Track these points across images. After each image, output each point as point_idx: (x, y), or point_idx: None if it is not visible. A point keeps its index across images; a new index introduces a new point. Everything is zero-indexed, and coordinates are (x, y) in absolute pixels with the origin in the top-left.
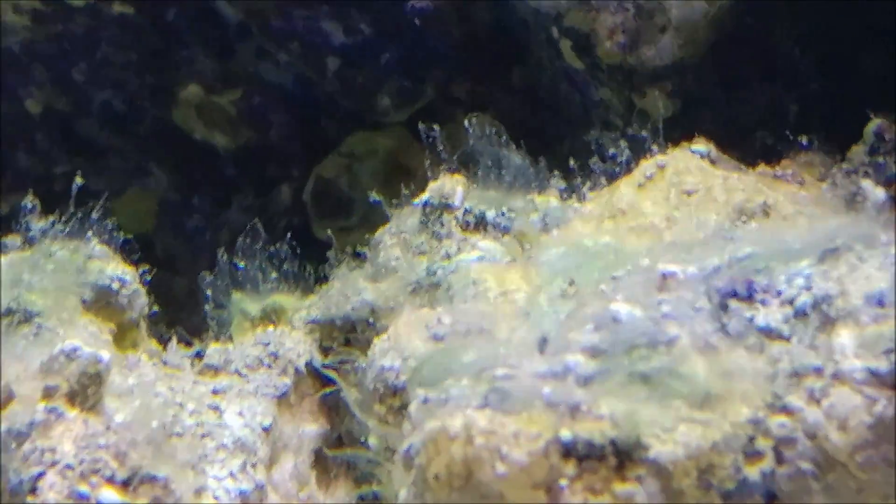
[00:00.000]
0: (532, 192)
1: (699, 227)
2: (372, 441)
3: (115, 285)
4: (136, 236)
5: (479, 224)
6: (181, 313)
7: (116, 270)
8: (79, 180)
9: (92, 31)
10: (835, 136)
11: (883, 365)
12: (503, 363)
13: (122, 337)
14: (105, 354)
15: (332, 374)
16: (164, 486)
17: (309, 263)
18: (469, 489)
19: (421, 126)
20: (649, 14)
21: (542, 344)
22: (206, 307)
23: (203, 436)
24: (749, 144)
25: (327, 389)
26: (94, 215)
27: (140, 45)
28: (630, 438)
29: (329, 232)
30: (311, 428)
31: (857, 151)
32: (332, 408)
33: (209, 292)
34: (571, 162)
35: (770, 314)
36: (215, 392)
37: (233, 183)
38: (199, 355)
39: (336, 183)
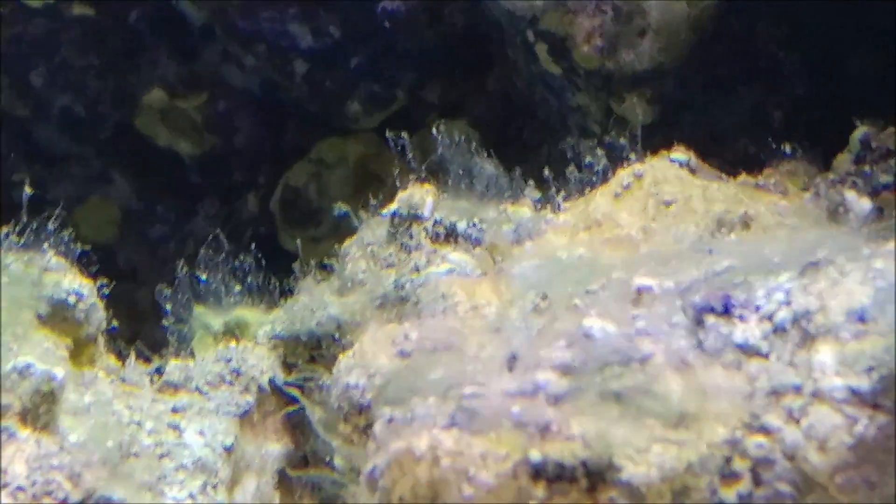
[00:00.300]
0: (505, 202)
1: (677, 239)
2: (338, 461)
3: (72, 299)
4: (98, 246)
5: (450, 235)
6: (144, 326)
7: (73, 284)
8: (28, 190)
9: (51, 34)
10: (822, 142)
11: (864, 383)
12: (471, 381)
13: (79, 353)
14: (59, 372)
15: (295, 392)
16: None
17: (276, 274)
18: None
19: (389, 134)
20: (628, 17)
21: (512, 361)
22: (166, 322)
23: (162, 456)
24: (732, 151)
25: (291, 408)
26: (51, 226)
27: (101, 48)
28: (602, 459)
29: (297, 242)
30: (274, 447)
31: (843, 160)
32: (297, 426)
33: (169, 306)
34: (546, 171)
35: (748, 330)
36: (175, 410)
37: (198, 191)
38: (158, 372)
39: (305, 191)
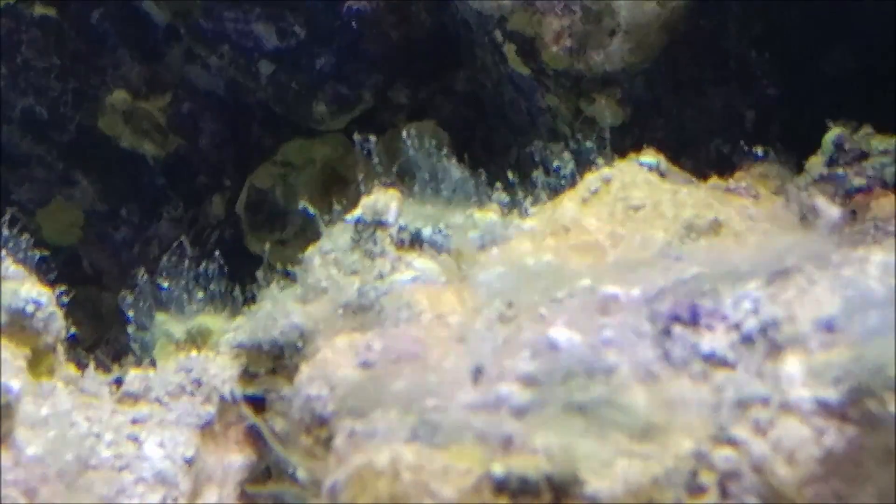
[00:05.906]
0: (472, 207)
1: (645, 245)
2: (300, 474)
3: (30, 308)
4: (62, 249)
5: (415, 242)
6: (109, 330)
7: (31, 292)
8: None
9: (12, 34)
10: (795, 143)
11: (832, 395)
12: (434, 393)
13: (38, 362)
14: (15, 384)
15: (247, 411)
16: None
17: (243, 278)
18: None
19: (357, 137)
20: (597, 17)
21: (476, 372)
22: (128, 330)
23: (121, 468)
24: (703, 153)
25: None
26: (7, 231)
27: (63, 49)
28: (566, 473)
29: (264, 247)
30: (236, 459)
31: (816, 163)
32: (260, 437)
33: (131, 314)
34: (514, 175)
35: (715, 340)
36: (135, 421)
37: (162, 193)
38: (118, 382)
39: (271, 193)
